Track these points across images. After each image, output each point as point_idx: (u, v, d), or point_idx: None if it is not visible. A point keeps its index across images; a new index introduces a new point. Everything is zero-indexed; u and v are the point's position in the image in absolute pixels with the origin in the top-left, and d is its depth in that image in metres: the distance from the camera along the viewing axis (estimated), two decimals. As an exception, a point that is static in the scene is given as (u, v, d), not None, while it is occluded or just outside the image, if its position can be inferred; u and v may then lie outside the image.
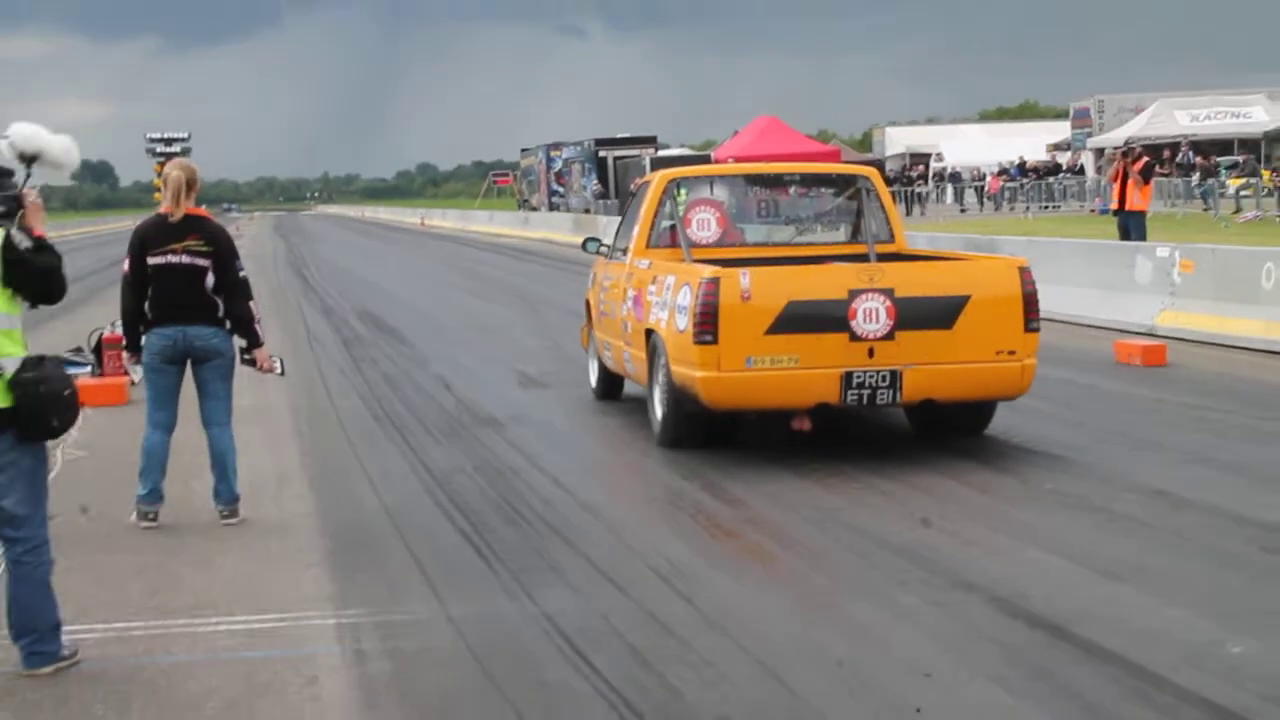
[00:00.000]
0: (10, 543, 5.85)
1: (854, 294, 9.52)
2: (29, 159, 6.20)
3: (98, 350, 13.81)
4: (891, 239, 11.69)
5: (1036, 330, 9.86)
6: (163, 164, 9.18)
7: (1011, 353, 9.73)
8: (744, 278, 9.55)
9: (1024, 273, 9.85)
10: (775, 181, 12.24)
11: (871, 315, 9.50)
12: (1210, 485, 8.67)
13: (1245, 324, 15.04)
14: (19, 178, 6.14)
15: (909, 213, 55.53)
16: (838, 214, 11.92)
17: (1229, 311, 15.42)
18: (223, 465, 8.41)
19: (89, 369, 13.89)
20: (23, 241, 5.86)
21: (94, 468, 10.19)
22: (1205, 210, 42.05)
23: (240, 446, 8.93)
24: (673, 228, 11.55)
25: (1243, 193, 42.33)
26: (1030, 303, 9.79)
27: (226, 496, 8.44)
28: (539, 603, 6.66)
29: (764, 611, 6.47)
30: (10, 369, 5.74)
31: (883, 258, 11.03)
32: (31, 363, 5.78)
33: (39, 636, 5.85)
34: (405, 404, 12.88)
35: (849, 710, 5.24)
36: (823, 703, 5.31)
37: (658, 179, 11.89)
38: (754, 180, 12.28)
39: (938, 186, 62.94)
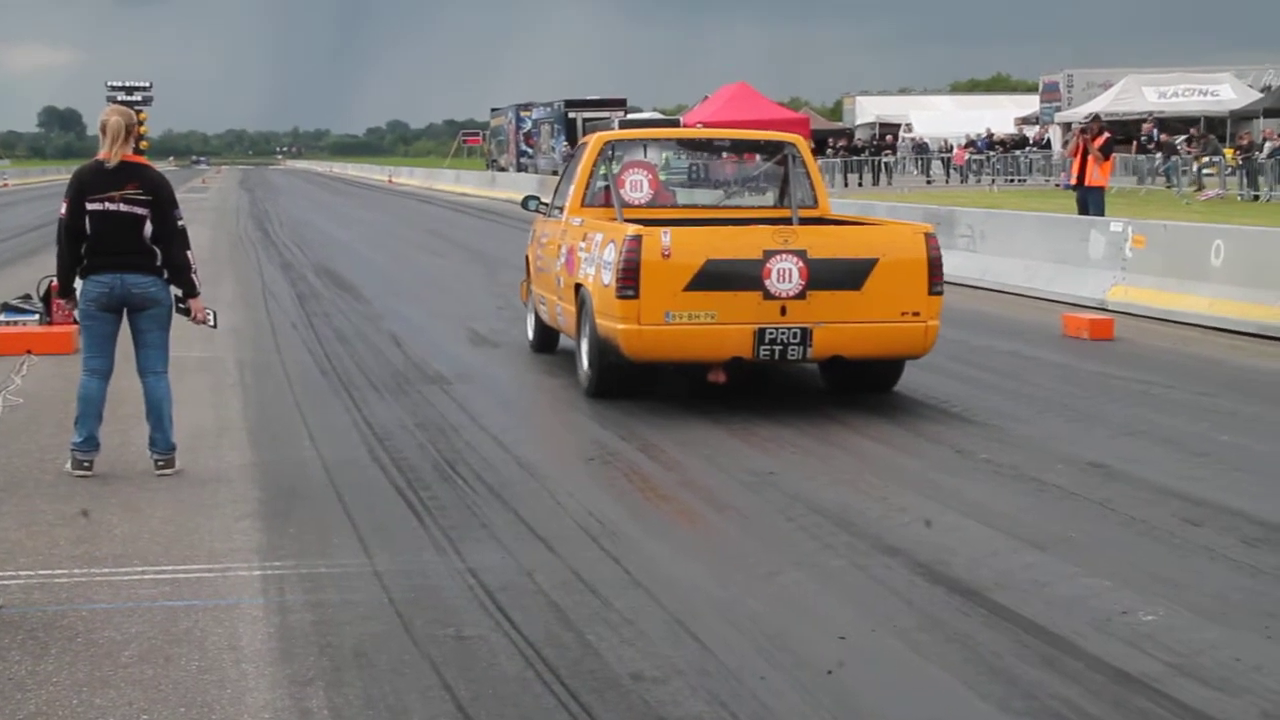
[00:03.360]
0: None
1: (769, 254, 10.02)
2: None
3: (46, 298, 13.74)
4: (815, 204, 12.25)
5: (940, 293, 10.38)
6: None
7: (916, 314, 10.23)
8: (665, 236, 10.03)
9: (929, 239, 10.42)
10: (706, 146, 12.87)
11: (785, 275, 10.00)
12: (1144, 458, 8.74)
13: (1193, 300, 15.15)
14: None
15: (875, 182, 55.58)
16: (765, 179, 12.48)
17: (1178, 287, 15.51)
18: (158, 414, 8.39)
19: (36, 317, 13.82)
20: None
21: (34, 414, 10.15)
22: (1169, 187, 42.22)
23: (183, 398, 8.95)
24: (607, 188, 12.04)
25: (1205, 171, 42.49)
26: (935, 267, 10.32)
27: (162, 446, 8.42)
28: (466, 558, 6.68)
29: (689, 572, 6.51)
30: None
31: (805, 222, 11.60)
32: None
33: (-46, 579, 5.85)
34: (354, 360, 12.87)
35: (762, 669, 5.28)
36: (738, 662, 5.35)
37: (594, 140, 12.42)
38: (686, 144, 12.99)
39: (905, 157, 62.91)
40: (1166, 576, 6.37)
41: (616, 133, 13.36)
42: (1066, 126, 52.09)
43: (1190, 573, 6.46)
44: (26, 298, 14.40)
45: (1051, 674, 5.22)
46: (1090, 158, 22.65)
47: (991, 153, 56.95)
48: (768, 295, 10.00)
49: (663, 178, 12.45)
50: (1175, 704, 4.95)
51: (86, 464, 8.34)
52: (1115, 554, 6.73)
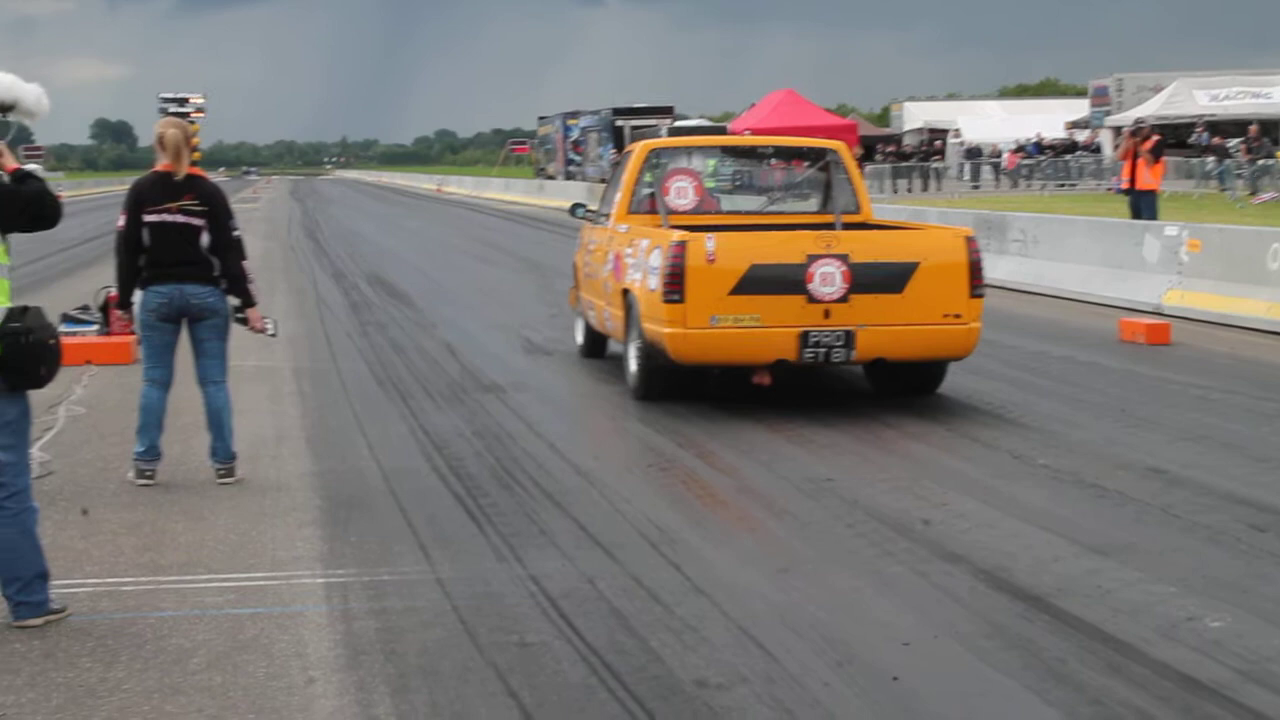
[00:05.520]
0: None
1: (812, 259, 10.16)
2: (6, 108, 6.35)
3: (104, 309, 13.85)
4: (858, 210, 12.36)
5: (981, 296, 10.48)
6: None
7: (957, 316, 10.35)
8: (709, 241, 10.20)
9: (970, 242, 10.50)
10: (750, 153, 13.03)
11: (828, 279, 10.14)
12: (1205, 463, 8.68)
13: (1251, 304, 15.04)
14: None
15: (925, 188, 55.40)
16: (808, 185, 12.62)
17: (1235, 291, 15.40)
18: (219, 423, 8.46)
19: (95, 327, 13.94)
20: (2, 176, 5.95)
21: (95, 424, 10.25)
22: (1222, 191, 41.89)
23: (242, 407, 9.02)
24: (652, 195, 12.19)
25: (1259, 174, 42.12)
26: (975, 270, 10.40)
27: (223, 455, 8.49)
28: (527, 565, 6.70)
29: (749, 579, 6.51)
30: (-1, 319, 5.79)
31: (848, 227, 11.70)
32: (16, 313, 5.82)
33: (24, 585, 5.90)
34: (409, 368, 12.93)
35: (826, 675, 5.28)
36: (801, 668, 5.35)
37: (639, 148, 12.62)
38: (730, 151, 13.13)
39: (959, 163, 62.65)
40: (1232, 582, 6.32)
41: (662, 140, 13.50)
42: (1117, 130, 51.75)
43: (1257, 578, 6.41)
44: (85, 308, 14.53)
45: (1118, 680, 5.20)
46: (1141, 161, 22.50)
47: (1041, 157, 56.70)
48: (811, 299, 10.14)
49: (708, 184, 12.52)
50: (1246, 710, 4.91)
51: (149, 473, 8.42)
52: (1179, 560, 6.69)
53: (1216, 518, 7.41)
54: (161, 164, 8.31)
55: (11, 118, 6.45)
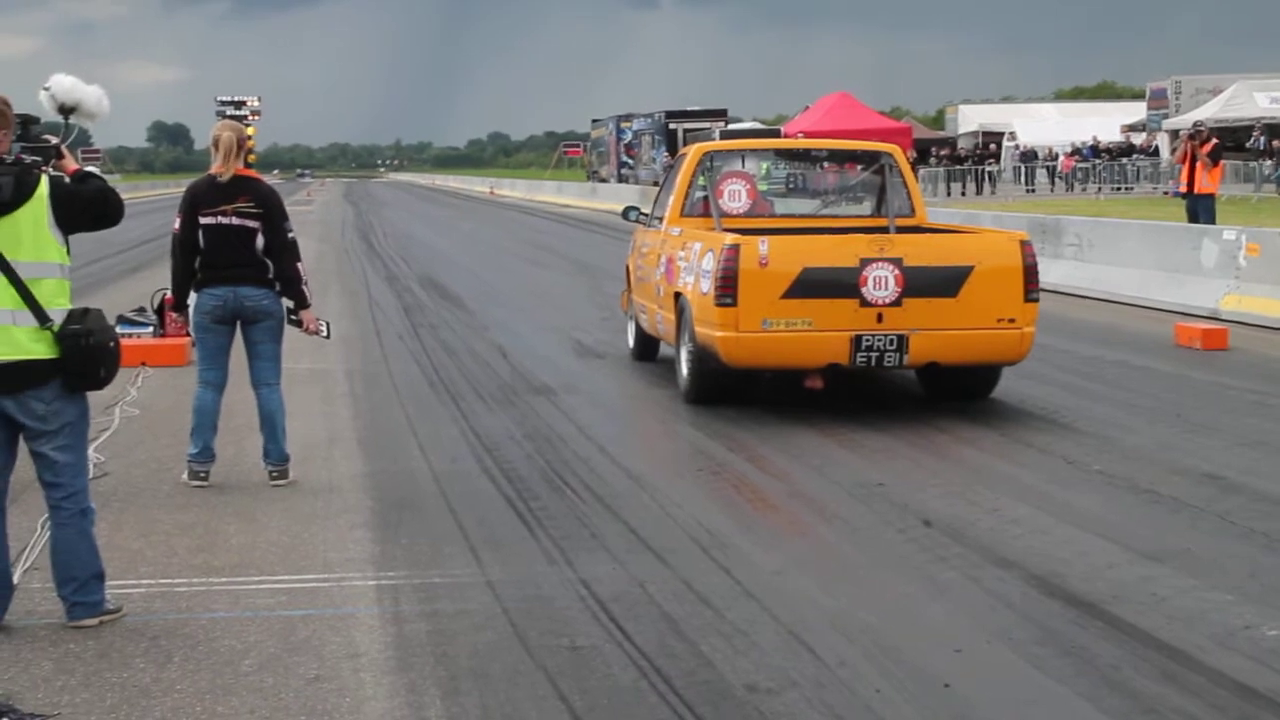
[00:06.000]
0: (50, 488, 5.96)
1: (865, 262, 10.10)
2: (68, 110, 6.42)
3: (160, 311, 13.96)
4: (912, 213, 12.31)
5: (1036, 300, 10.36)
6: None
7: (1011, 320, 10.25)
8: (762, 245, 10.17)
9: (1025, 246, 10.42)
10: (804, 156, 13.01)
11: (881, 283, 10.08)
12: (1262, 470, 8.59)
13: (1310, 309, 14.86)
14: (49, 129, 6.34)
15: (979, 192, 55.12)
16: (863, 188, 12.58)
17: (1294, 296, 15.22)
18: (272, 425, 8.50)
19: (151, 329, 14.05)
20: (65, 177, 6.01)
21: (149, 425, 10.33)
22: (1280, 194, 41.51)
23: (294, 409, 9.05)
24: (705, 198, 12.16)
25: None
26: (1030, 274, 10.31)
27: (276, 456, 8.53)
28: (578, 569, 6.71)
29: (800, 584, 6.48)
30: (59, 320, 5.84)
31: (902, 230, 11.63)
32: (77, 315, 5.87)
33: (80, 585, 5.95)
34: (461, 371, 12.97)
35: (877, 682, 5.25)
36: (850, 674, 5.33)
37: (693, 151, 12.60)
38: (784, 155, 13.11)
39: (1014, 166, 62.28)
40: (1290, 590, 6.26)
41: (715, 143, 13.50)
42: (1174, 133, 51.34)
43: (1314, 587, 6.34)
44: (141, 310, 14.64)
45: (1173, 688, 5.15)
46: (1199, 164, 22.33)
47: (1097, 160, 56.29)
48: (864, 303, 10.09)
49: (761, 188, 12.51)
50: (1302, 721, 4.86)
51: (203, 474, 8.47)
52: (1236, 567, 6.62)
53: (1273, 524, 7.33)
54: (216, 166, 8.37)
55: (73, 120, 6.53)
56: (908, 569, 6.70)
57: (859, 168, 12.61)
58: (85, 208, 6.00)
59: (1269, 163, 44.37)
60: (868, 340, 10.08)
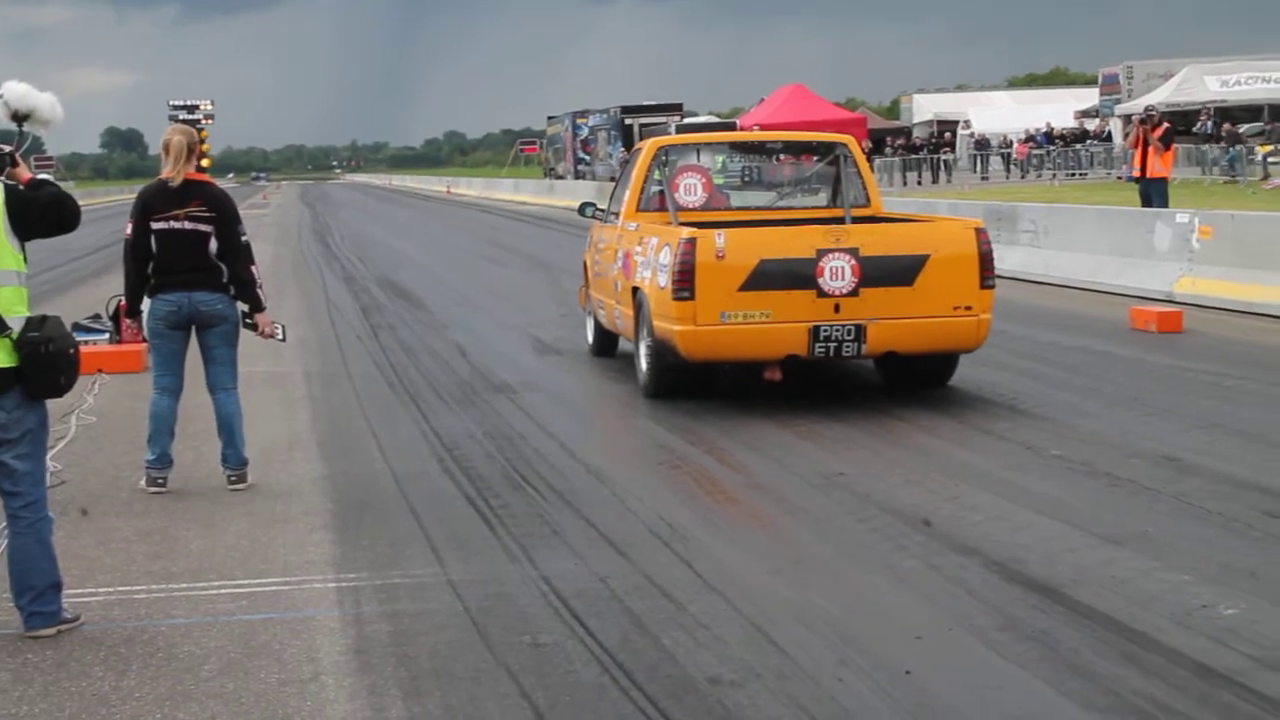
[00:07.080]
0: (9, 497, 5.91)
1: (821, 253, 10.15)
2: (21, 117, 6.36)
3: (115, 317, 13.88)
4: (867, 203, 12.39)
5: (992, 287, 10.47)
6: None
7: (968, 308, 10.33)
8: (719, 238, 10.19)
9: (980, 233, 10.47)
10: (759, 149, 13.01)
11: (838, 273, 10.13)
12: (1219, 451, 8.65)
13: (1264, 290, 14.96)
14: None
15: (935, 180, 55.31)
16: (818, 180, 12.61)
17: (1248, 278, 15.33)
18: (230, 430, 8.46)
19: (106, 336, 13.96)
20: (18, 185, 5.96)
21: (106, 432, 10.26)
22: (1234, 178, 41.76)
23: (252, 412, 9.01)
24: (661, 192, 12.19)
25: (1270, 159, 42.02)
26: (985, 261, 10.38)
27: (234, 461, 8.49)
28: (539, 566, 6.69)
29: (762, 576, 6.49)
30: (18, 329, 5.79)
31: (858, 220, 11.72)
32: (35, 322, 5.82)
33: (37, 595, 5.90)
34: (420, 370, 12.93)
35: (839, 671, 5.26)
36: (814, 664, 5.34)
37: (648, 146, 12.64)
38: (739, 148, 13.09)
39: (969, 154, 62.51)
40: (1247, 569, 6.29)
41: (670, 138, 13.55)
42: (1127, 119, 51.63)
43: (1271, 565, 6.37)
44: (96, 317, 14.56)
45: (1133, 670, 5.17)
46: (1151, 149, 22.45)
47: (1051, 147, 56.57)
48: (821, 293, 10.13)
49: (717, 181, 12.52)
50: (1261, 698, 4.89)
51: (160, 481, 8.42)
52: (1193, 548, 6.66)
53: (1230, 505, 7.37)
54: (166, 171, 8.31)
55: (26, 127, 6.47)
56: (869, 558, 6.72)
57: (814, 159, 12.64)
58: (42, 214, 5.95)
59: (1217, 147, 44.63)
60: (826, 331, 10.12)
